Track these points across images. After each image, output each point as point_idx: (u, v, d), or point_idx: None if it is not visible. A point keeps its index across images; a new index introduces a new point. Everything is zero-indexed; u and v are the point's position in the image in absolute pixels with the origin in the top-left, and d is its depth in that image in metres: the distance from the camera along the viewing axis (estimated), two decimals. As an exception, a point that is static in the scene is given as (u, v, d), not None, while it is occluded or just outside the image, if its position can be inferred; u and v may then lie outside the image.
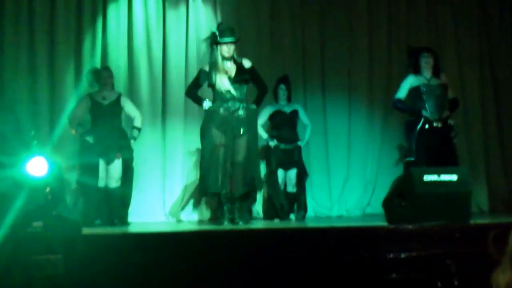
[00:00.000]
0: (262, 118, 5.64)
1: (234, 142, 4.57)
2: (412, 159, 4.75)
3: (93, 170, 5.13)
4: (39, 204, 3.63)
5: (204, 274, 3.27)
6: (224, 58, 4.61)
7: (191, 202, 6.05)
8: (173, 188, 6.05)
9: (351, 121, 6.48)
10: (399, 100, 4.98)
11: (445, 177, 4.05)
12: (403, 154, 5.00)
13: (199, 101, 4.74)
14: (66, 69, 5.95)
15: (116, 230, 4.62)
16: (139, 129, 5.35)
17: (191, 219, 5.97)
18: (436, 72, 4.97)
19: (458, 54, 6.67)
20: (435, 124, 4.82)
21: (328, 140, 6.40)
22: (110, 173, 5.16)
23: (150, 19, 6.17)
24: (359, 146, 6.43)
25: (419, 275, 3.30)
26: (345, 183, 6.38)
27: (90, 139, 5.17)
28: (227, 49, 4.59)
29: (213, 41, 4.62)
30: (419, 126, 4.79)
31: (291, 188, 5.67)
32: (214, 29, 4.73)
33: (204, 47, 4.78)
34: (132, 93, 6.01)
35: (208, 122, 4.61)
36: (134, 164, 5.37)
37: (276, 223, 5.32)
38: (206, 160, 4.58)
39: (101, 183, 5.15)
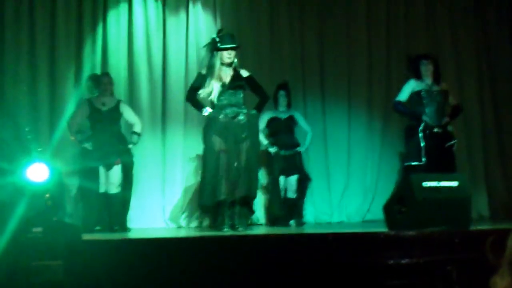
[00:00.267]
0: (261, 125, 5.64)
1: (236, 147, 4.57)
2: (417, 163, 4.74)
3: (93, 176, 5.13)
4: (39, 210, 3.63)
5: (204, 280, 3.27)
6: (223, 64, 4.61)
7: (191, 208, 6.05)
8: (173, 194, 6.05)
9: (350, 127, 6.48)
10: (400, 102, 4.99)
11: (445, 183, 4.05)
12: (404, 158, 5.00)
13: (198, 106, 4.74)
14: (66, 75, 5.96)
15: (116, 235, 4.62)
16: (138, 135, 5.35)
17: (191, 225, 5.97)
18: (436, 78, 4.99)
19: (456, 61, 6.68)
20: (435, 130, 4.83)
21: (328, 146, 6.40)
22: (110, 179, 5.17)
23: (150, 25, 6.19)
24: (359, 152, 6.44)
25: (420, 281, 3.30)
26: (345, 189, 6.38)
27: (89, 146, 5.17)
28: (228, 55, 4.60)
29: (214, 47, 4.62)
30: (420, 129, 4.80)
31: (291, 194, 5.67)
32: (214, 35, 4.74)
33: (203, 52, 4.78)
34: (132, 98, 6.02)
35: (208, 129, 4.62)
36: (134, 169, 5.37)
37: (277, 229, 5.32)
38: (208, 168, 4.58)
39: (101, 189, 5.15)
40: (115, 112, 5.27)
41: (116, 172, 5.17)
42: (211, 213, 4.75)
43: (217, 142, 4.56)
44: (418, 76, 4.99)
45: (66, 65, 5.98)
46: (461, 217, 4.01)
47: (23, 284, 2.97)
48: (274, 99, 5.69)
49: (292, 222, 5.65)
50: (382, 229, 4.15)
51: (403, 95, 4.99)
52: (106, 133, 5.19)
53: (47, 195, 3.93)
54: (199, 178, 5.82)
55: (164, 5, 6.23)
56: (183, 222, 5.99)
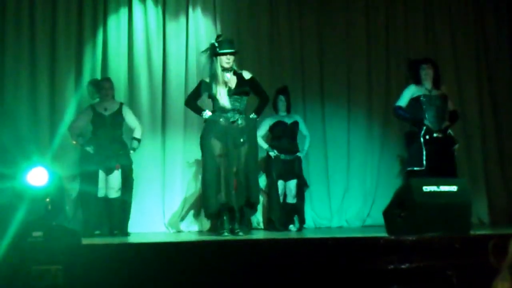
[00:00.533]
0: (263, 130, 5.65)
1: (235, 151, 4.58)
2: (419, 168, 4.74)
3: (93, 180, 5.14)
4: (39, 214, 3.63)
5: (204, 284, 3.27)
6: (223, 69, 4.62)
7: (191, 212, 6.05)
8: (173, 199, 6.05)
9: (350, 131, 6.49)
10: (400, 108, 5.00)
11: (445, 188, 4.05)
12: (405, 164, 5.00)
13: (198, 110, 4.75)
14: (66, 79, 5.98)
15: (116, 240, 4.61)
16: (138, 140, 5.36)
17: (191, 229, 5.97)
18: (436, 83, 5.00)
19: (456, 67, 6.70)
20: (435, 135, 4.83)
21: (327, 150, 6.41)
22: (110, 183, 5.17)
23: (150, 30, 6.21)
24: (358, 157, 6.44)
25: (420, 286, 3.29)
26: (345, 194, 6.39)
27: (90, 149, 5.18)
28: (227, 60, 4.61)
29: (213, 53, 4.65)
30: (421, 134, 4.80)
31: (291, 199, 5.67)
32: (213, 40, 4.76)
33: (203, 59, 4.79)
34: (132, 103, 6.03)
35: (207, 132, 4.62)
36: (134, 174, 5.37)
37: (276, 234, 5.32)
38: (207, 172, 4.58)
39: (100, 193, 5.16)
40: (118, 116, 5.28)
41: (116, 176, 5.18)
42: (216, 218, 4.75)
43: (217, 146, 4.57)
44: (418, 81, 4.99)
45: (66, 70, 6.00)
46: (461, 222, 4.01)
47: (24, 288, 2.97)
48: (273, 104, 5.70)
49: (291, 226, 5.65)
50: (382, 234, 4.15)
51: (403, 100, 5.00)
52: (108, 138, 5.20)
53: (47, 200, 3.93)
54: (199, 183, 5.85)
55: (164, 10, 6.25)
56: (183, 226, 5.99)
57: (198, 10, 6.33)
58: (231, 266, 3.32)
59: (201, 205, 5.67)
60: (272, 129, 5.71)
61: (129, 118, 5.37)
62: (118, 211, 5.21)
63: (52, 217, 3.97)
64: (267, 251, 3.57)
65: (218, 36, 4.84)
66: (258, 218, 5.94)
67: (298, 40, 6.52)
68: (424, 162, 4.76)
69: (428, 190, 4.02)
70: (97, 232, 5.13)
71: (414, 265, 3.38)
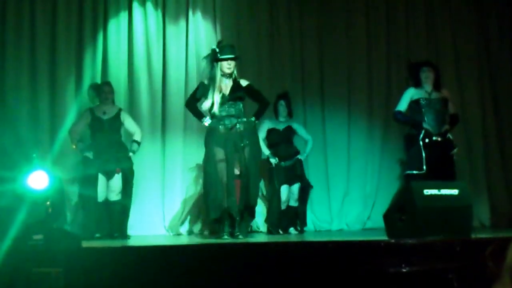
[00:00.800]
0: (262, 132, 5.65)
1: (236, 155, 4.58)
2: (418, 171, 4.73)
3: (93, 184, 5.14)
4: (39, 217, 3.63)
5: (204, 287, 3.26)
6: (223, 75, 4.63)
7: (191, 215, 6.05)
8: (173, 202, 6.05)
9: (350, 135, 6.49)
10: (400, 112, 5.00)
11: (445, 191, 4.05)
12: (404, 167, 4.99)
13: (198, 115, 4.75)
14: (66, 83, 5.99)
15: (116, 243, 4.61)
16: (138, 143, 5.37)
17: (191, 232, 5.96)
18: (436, 86, 4.99)
19: (457, 69, 6.69)
20: (434, 138, 4.82)
21: (327, 154, 6.40)
22: (111, 187, 5.18)
23: (150, 34, 6.22)
24: (359, 160, 6.44)
25: (421, 290, 3.29)
26: (345, 197, 6.38)
27: (90, 155, 5.19)
28: (227, 66, 4.62)
29: (214, 58, 4.65)
30: (421, 138, 4.79)
31: (293, 202, 5.67)
32: (214, 46, 4.77)
33: (204, 64, 4.80)
34: (132, 107, 6.04)
35: (208, 140, 4.63)
36: (134, 177, 5.37)
37: (277, 237, 5.31)
38: (209, 178, 4.59)
39: (100, 197, 5.16)
40: (116, 121, 5.29)
41: (116, 180, 5.18)
42: (219, 222, 4.74)
43: (217, 152, 4.57)
44: (418, 83, 4.99)
45: (67, 74, 6.00)
46: (462, 226, 4.00)
47: (24, 291, 2.97)
48: (274, 109, 5.70)
49: (292, 229, 5.64)
50: (383, 237, 4.14)
51: (403, 105, 5.00)
52: (106, 142, 5.21)
53: (48, 203, 3.94)
54: (199, 186, 5.86)
55: (164, 14, 6.26)
56: (182, 229, 5.99)
57: (198, 14, 6.34)
58: (231, 269, 3.32)
59: (202, 209, 5.68)
60: (267, 136, 5.72)
61: (128, 123, 5.38)
62: (118, 214, 5.21)
63: (53, 220, 3.98)
64: (267, 254, 3.57)
65: (219, 42, 4.85)
66: (257, 222, 5.93)
67: (298, 42, 6.53)
68: (424, 166, 4.75)
69: (429, 193, 4.02)
70: (97, 235, 5.13)
71: (415, 268, 3.37)
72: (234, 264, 3.38)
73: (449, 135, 4.93)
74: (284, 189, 5.60)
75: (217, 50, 4.64)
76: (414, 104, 4.94)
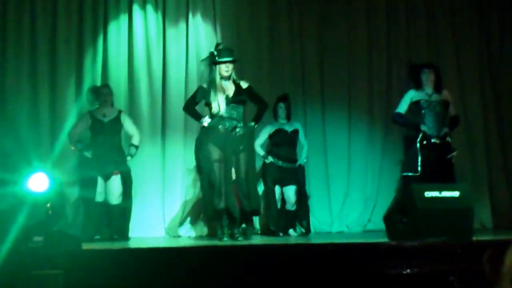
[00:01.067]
0: (262, 137, 5.64)
1: (233, 158, 4.58)
2: (413, 174, 4.72)
3: (93, 186, 5.14)
4: (39, 219, 3.63)
5: (204, 290, 3.26)
6: (222, 77, 4.64)
7: (191, 217, 6.04)
8: (173, 204, 6.05)
9: (351, 137, 6.48)
10: (399, 114, 4.99)
11: (446, 194, 4.04)
12: (401, 168, 4.98)
13: (197, 116, 4.75)
14: (67, 86, 6.00)
15: (116, 245, 4.61)
16: (136, 147, 5.36)
17: (190, 234, 5.97)
18: (437, 88, 4.98)
19: (458, 70, 6.68)
20: (433, 140, 4.81)
21: (328, 156, 6.40)
22: (110, 190, 5.18)
23: (150, 36, 6.22)
24: (359, 162, 6.43)
25: (422, 292, 3.28)
26: (345, 199, 6.37)
27: (88, 154, 5.19)
28: (226, 69, 4.62)
29: (212, 61, 4.66)
30: (418, 140, 4.79)
31: (290, 207, 5.65)
32: (213, 49, 4.77)
33: (202, 66, 4.81)
34: (132, 109, 6.04)
35: (205, 138, 4.62)
36: (134, 179, 5.37)
37: (277, 239, 5.30)
38: (205, 177, 4.58)
39: (98, 198, 5.16)
40: (117, 123, 5.29)
41: (117, 182, 5.18)
42: (215, 221, 4.75)
43: (214, 151, 4.57)
44: (419, 85, 4.98)
45: (67, 77, 6.01)
46: (463, 228, 4.00)
47: (24, 293, 2.96)
48: (273, 112, 5.69)
49: (291, 231, 5.63)
50: (383, 239, 4.14)
51: (403, 107, 4.99)
52: (106, 144, 5.21)
53: (48, 205, 3.93)
54: (198, 188, 5.85)
55: (164, 16, 6.26)
56: (182, 231, 5.98)
57: (198, 16, 6.34)
58: (231, 271, 3.32)
59: (201, 211, 5.67)
60: (271, 136, 5.71)
61: (128, 125, 5.37)
62: (118, 216, 5.21)
63: (53, 222, 3.97)
64: (266, 256, 3.57)
65: (217, 45, 4.86)
66: (257, 224, 5.91)
67: (299, 45, 6.52)
68: (419, 168, 4.73)
69: (430, 195, 4.02)
70: (97, 237, 5.13)
71: (415, 270, 3.37)
72: (234, 266, 3.38)
73: (448, 138, 4.91)
74: (276, 189, 5.58)
75: (215, 53, 4.65)
76: (414, 105, 4.93)
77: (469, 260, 3.32)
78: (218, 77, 4.63)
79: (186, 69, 6.25)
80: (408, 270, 3.36)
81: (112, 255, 3.48)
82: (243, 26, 6.43)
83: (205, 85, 4.70)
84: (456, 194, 4.06)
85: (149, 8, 6.25)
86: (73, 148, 5.32)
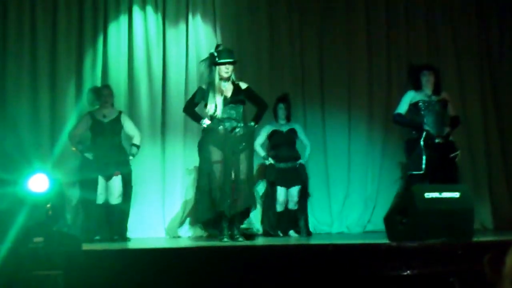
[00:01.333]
0: (261, 138, 5.64)
1: (233, 158, 4.57)
2: (417, 172, 4.71)
3: (93, 187, 5.14)
4: (40, 220, 3.63)
5: (204, 290, 3.26)
6: (222, 79, 4.64)
7: (191, 218, 6.04)
8: (173, 204, 6.05)
9: (351, 138, 6.48)
10: (400, 115, 4.98)
11: (447, 194, 4.03)
12: (405, 169, 4.97)
13: (197, 118, 4.75)
14: (67, 87, 6.01)
15: (116, 245, 4.61)
16: (137, 147, 5.37)
17: (190, 235, 5.97)
18: (437, 90, 4.98)
19: (459, 71, 6.68)
20: (436, 140, 4.81)
21: (328, 156, 6.40)
22: (111, 190, 5.18)
23: (150, 37, 6.23)
24: (359, 163, 6.43)
25: (422, 293, 3.28)
26: (345, 199, 6.37)
27: (89, 155, 5.19)
28: (225, 70, 4.63)
29: (212, 62, 4.66)
30: (422, 140, 4.78)
31: (293, 205, 5.65)
32: (212, 50, 4.77)
33: (202, 68, 4.81)
34: (132, 110, 6.05)
35: (205, 139, 4.63)
36: (134, 180, 5.37)
37: (277, 240, 5.30)
38: (203, 180, 4.59)
39: (99, 200, 5.16)
40: (117, 124, 5.29)
41: (117, 183, 5.18)
42: (211, 225, 4.74)
43: (214, 152, 4.56)
44: (418, 86, 4.98)
45: (67, 77, 6.02)
46: (464, 229, 3.99)
47: (24, 293, 2.96)
48: (273, 112, 5.69)
49: (291, 232, 5.63)
50: (383, 240, 4.13)
51: (402, 107, 4.99)
52: (106, 145, 5.21)
53: (48, 206, 3.94)
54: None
55: (164, 17, 6.27)
56: (182, 232, 5.98)
57: (198, 17, 6.34)
58: (231, 272, 3.31)
59: (197, 208, 5.64)
60: (269, 138, 5.71)
61: (128, 125, 5.38)
62: (118, 217, 5.21)
63: (53, 223, 3.98)
64: (266, 257, 3.56)
65: (217, 46, 4.85)
66: (256, 225, 5.91)
67: (299, 47, 6.52)
68: (423, 166, 4.73)
69: (430, 196, 4.01)
70: (97, 237, 5.13)
71: (416, 272, 3.36)
72: (234, 267, 3.38)
73: (452, 138, 4.91)
74: (281, 191, 5.59)
75: (215, 54, 4.65)
76: (414, 106, 4.92)
77: (470, 261, 3.31)
78: (217, 78, 4.63)
79: (186, 70, 6.25)
80: (408, 271, 3.36)
81: (112, 256, 3.48)
82: (243, 27, 6.43)
83: (204, 86, 4.71)
84: (456, 195, 4.05)
85: (149, 9, 6.25)
86: (74, 149, 5.32)
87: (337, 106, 6.53)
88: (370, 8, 6.68)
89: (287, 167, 5.61)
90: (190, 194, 6.06)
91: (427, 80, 4.95)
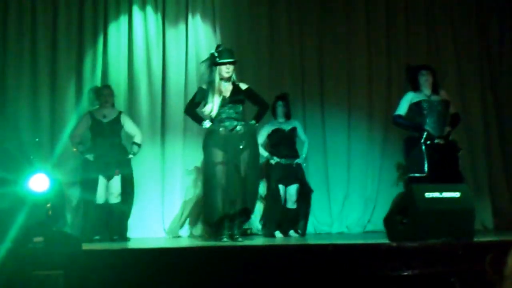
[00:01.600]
0: (261, 137, 5.64)
1: (235, 158, 4.57)
2: (419, 175, 4.70)
3: (93, 187, 5.15)
4: (40, 219, 3.63)
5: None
6: (222, 79, 4.64)
7: (190, 218, 6.04)
8: (173, 204, 6.05)
9: (350, 137, 6.48)
10: (400, 116, 4.98)
11: (447, 194, 4.03)
12: (404, 170, 4.96)
13: (198, 120, 4.75)
14: (67, 87, 6.01)
15: (116, 245, 4.61)
16: (139, 145, 5.37)
17: (190, 235, 5.96)
18: (435, 90, 4.98)
19: (459, 71, 6.67)
20: (436, 141, 4.80)
21: (327, 156, 6.40)
22: (110, 189, 5.18)
23: (150, 38, 6.23)
24: (359, 163, 6.42)
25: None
26: (345, 199, 6.36)
27: (90, 157, 5.19)
28: (226, 70, 4.63)
29: (212, 62, 4.66)
30: (422, 141, 4.77)
31: (291, 204, 5.65)
32: (212, 50, 4.78)
33: (202, 68, 4.81)
34: (132, 110, 6.05)
35: (207, 141, 4.63)
36: (134, 180, 5.37)
37: (276, 240, 5.30)
38: (208, 182, 4.58)
39: (99, 200, 5.16)
40: (116, 124, 5.29)
41: (116, 182, 5.19)
42: (217, 225, 4.74)
43: (216, 154, 4.57)
44: (416, 87, 4.97)
45: (67, 78, 6.02)
46: (465, 229, 3.99)
47: (24, 293, 2.96)
48: (272, 110, 5.69)
49: (291, 232, 5.63)
50: (384, 240, 4.13)
51: (402, 109, 4.98)
52: (106, 145, 5.21)
53: (48, 205, 3.94)
54: (198, 189, 5.86)
55: (163, 17, 6.27)
56: (182, 232, 5.98)
57: (198, 17, 6.34)
58: (231, 272, 3.31)
59: (201, 211, 5.66)
60: (270, 136, 5.71)
61: (128, 125, 5.38)
62: (118, 216, 5.21)
63: (53, 222, 3.98)
64: (266, 257, 3.56)
65: (218, 46, 4.86)
66: (257, 224, 5.91)
67: (298, 46, 6.52)
68: (426, 169, 4.72)
69: (430, 196, 4.01)
70: (96, 237, 5.13)
71: (416, 272, 3.36)
72: (234, 267, 3.38)
73: (453, 138, 4.90)
74: (280, 188, 5.58)
75: (216, 54, 4.65)
76: (415, 106, 4.91)
77: (470, 261, 3.31)
78: (217, 78, 4.63)
79: (185, 70, 6.25)
80: (408, 272, 3.35)
81: (112, 256, 3.47)
82: (243, 27, 6.43)
83: (204, 86, 4.71)
84: (457, 195, 4.05)
85: (149, 9, 6.25)
86: (74, 149, 5.32)
87: (337, 106, 6.53)
88: (370, 8, 6.67)
89: (287, 164, 5.61)
90: (190, 194, 6.06)
91: (426, 80, 4.94)
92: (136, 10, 6.22)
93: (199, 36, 6.31)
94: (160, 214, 6.02)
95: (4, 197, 3.66)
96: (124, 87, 6.09)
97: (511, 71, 6.73)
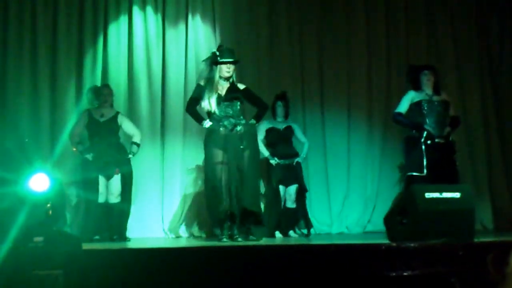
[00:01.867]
0: (260, 134, 5.64)
1: (236, 158, 4.57)
2: (419, 174, 4.70)
3: (93, 186, 5.15)
4: (40, 219, 3.63)
5: (204, 290, 3.25)
6: (222, 78, 4.64)
7: (190, 218, 6.04)
8: (172, 204, 6.06)
9: (350, 137, 6.48)
10: (400, 114, 4.98)
11: (447, 195, 4.03)
12: (405, 169, 4.97)
13: (198, 119, 4.75)
14: (67, 87, 6.02)
15: (116, 245, 4.61)
16: (138, 145, 5.37)
17: (190, 235, 5.96)
18: (436, 90, 4.98)
19: (459, 71, 6.68)
20: (437, 140, 4.80)
21: (327, 156, 6.40)
22: (110, 189, 5.18)
23: (150, 38, 6.23)
24: (358, 163, 6.43)
25: (423, 293, 3.28)
26: (345, 200, 6.37)
27: (89, 157, 5.19)
28: (227, 69, 4.64)
29: (214, 61, 4.66)
30: (422, 140, 4.77)
31: (291, 204, 5.65)
32: (214, 49, 4.79)
33: (202, 66, 4.82)
34: (132, 110, 6.06)
35: (207, 141, 4.63)
36: (133, 179, 5.37)
37: (276, 240, 5.30)
38: (210, 181, 4.58)
39: (101, 199, 5.16)
40: (113, 124, 5.29)
41: (116, 182, 5.19)
42: (217, 225, 4.75)
43: (217, 154, 4.57)
44: (417, 87, 4.98)
45: (67, 78, 6.03)
46: (465, 229, 3.98)
47: (24, 293, 2.96)
48: (272, 110, 5.69)
49: (291, 232, 5.63)
50: (383, 240, 4.13)
51: (403, 107, 4.99)
52: (104, 144, 5.22)
53: (48, 205, 3.94)
54: (198, 189, 5.87)
55: (163, 18, 6.28)
56: (182, 231, 5.98)
57: (198, 18, 6.35)
58: (230, 272, 3.31)
59: (201, 211, 5.67)
60: (266, 135, 5.72)
61: (126, 125, 5.38)
62: (117, 216, 5.21)
63: (53, 222, 3.98)
64: (266, 257, 3.56)
65: (219, 46, 4.87)
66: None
67: (298, 47, 6.53)
68: (425, 169, 4.72)
69: (430, 196, 4.00)
70: (96, 237, 5.13)
71: (416, 272, 3.36)
72: (233, 267, 3.37)
73: (452, 138, 4.91)
74: (280, 189, 5.58)
75: (218, 53, 4.65)
76: (415, 106, 4.92)
77: (471, 261, 3.31)
78: (217, 77, 4.64)
79: (185, 70, 6.26)
80: (408, 272, 3.35)
81: (112, 256, 3.47)
82: (242, 28, 6.44)
83: (202, 83, 4.71)
84: (457, 195, 4.05)
85: (149, 9, 6.26)
86: (74, 149, 5.32)
87: (337, 106, 6.54)
88: (370, 8, 6.67)
89: (284, 164, 5.61)
90: (190, 193, 6.07)
91: (428, 80, 4.95)
92: (136, 10, 6.23)
93: (199, 36, 6.32)
94: (160, 214, 6.02)
95: (4, 197, 3.67)
96: (124, 87, 6.10)
97: (511, 71, 6.74)
